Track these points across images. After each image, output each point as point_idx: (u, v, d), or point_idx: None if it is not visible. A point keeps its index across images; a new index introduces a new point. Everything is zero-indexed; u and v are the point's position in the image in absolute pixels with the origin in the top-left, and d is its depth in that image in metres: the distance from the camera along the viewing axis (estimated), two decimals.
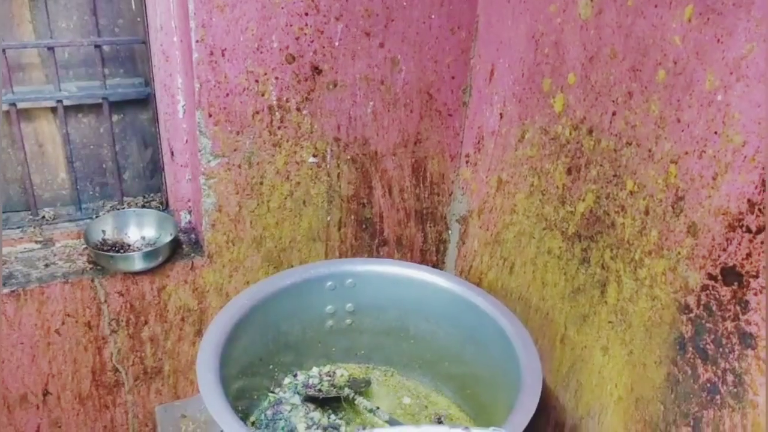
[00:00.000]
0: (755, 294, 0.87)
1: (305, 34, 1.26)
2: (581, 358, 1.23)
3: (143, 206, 1.45)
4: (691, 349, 0.99)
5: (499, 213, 1.43)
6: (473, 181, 1.52)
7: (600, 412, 1.20)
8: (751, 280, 0.88)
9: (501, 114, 1.38)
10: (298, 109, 1.32)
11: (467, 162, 1.53)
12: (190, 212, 1.47)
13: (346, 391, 1.28)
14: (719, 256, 0.92)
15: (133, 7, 1.33)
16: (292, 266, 1.44)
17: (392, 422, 1.11)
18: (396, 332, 1.39)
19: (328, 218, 1.47)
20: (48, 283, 1.27)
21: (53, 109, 1.33)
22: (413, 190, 1.54)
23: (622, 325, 1.12)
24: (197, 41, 1.18)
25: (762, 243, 0.86)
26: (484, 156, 1.46)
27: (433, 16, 1.36)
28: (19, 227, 1.37)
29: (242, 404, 1.26)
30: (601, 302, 1.17)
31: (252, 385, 1.29)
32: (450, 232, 1.64)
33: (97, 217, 1.39)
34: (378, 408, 1.18)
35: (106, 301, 1.33)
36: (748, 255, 0.88)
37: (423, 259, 1.64)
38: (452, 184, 1.57)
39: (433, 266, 1.63)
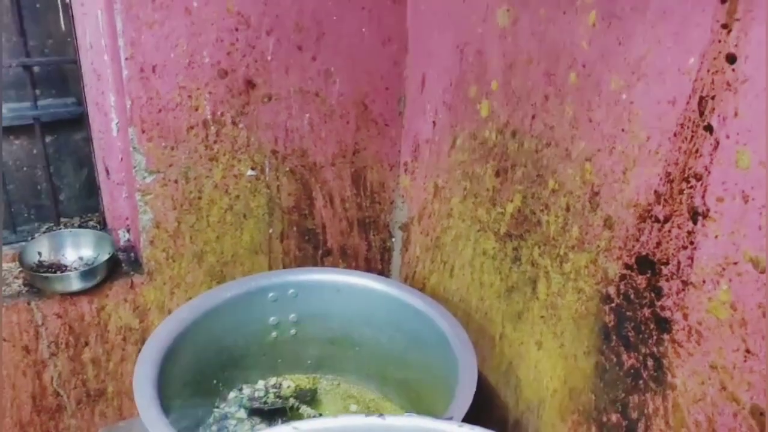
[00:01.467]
0: (667, 280, 0.92)
1: (236, 49, 1.28)
2: (519, 354, 1.27)
3: (80, 226, 1.44)
4: (614, 337, 1.03)
5: (437, 218, 1.47)
6: (412, 189, 1.55)
7: (539, 405, 1.23)
8: (662, 267, 0.93)
9: (434, 122, 1.42)
10: (233, 123, 1.33)
11: (405, 170, 1.56)
12: (128, 230, 1.46)
13: (291, 401, 1.29)
14: (633, 246, 0.97)
15: (63, 27, 1.33)
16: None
17: None
18: (341, 341, 1.41)
19: (270, 230, 1.48)
20: None
21: None
22: (354, 200, 1.56)
23: (553, 318, 1.16)
24: (127, 58, 1.19)
25: (669, 231, 0.91)
26: (421, 163, 1.50)
27: (364, 30, 1.40)
28: None
29: (186, 422, 1.25)
30: (533, 298, 1.21)
31: (196, 402, 1.28)
32: (393, 239, 1.67)
33: (32, 239, 1.37)
34: (321, 415, 1.19)
35: (43, 323, 1.31)
36: (659, 244, 0.93)
37: (368, 268, 1.66)
38: (393, 192, 1.60)
39: (379, 274, 1.65)
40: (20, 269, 1.33)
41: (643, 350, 0.98)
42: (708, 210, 0.85)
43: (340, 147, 1.48)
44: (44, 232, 1.41)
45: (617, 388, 1.04)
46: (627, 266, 0.99)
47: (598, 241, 1.04)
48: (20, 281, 1.32)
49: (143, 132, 1.25)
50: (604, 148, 0.99)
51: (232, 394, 1.35)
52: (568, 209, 1.09)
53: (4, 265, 1.37)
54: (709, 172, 0.84)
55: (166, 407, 1.03)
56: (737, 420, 0.85)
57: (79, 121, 1.38)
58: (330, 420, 0.68)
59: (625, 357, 1.02)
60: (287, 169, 1.44)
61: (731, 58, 0.79)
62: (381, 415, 0.68)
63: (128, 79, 1.20)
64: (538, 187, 1.15)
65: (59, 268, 1.35)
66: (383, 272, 1.69)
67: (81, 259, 1.38)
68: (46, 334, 1.32)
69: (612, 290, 1.02)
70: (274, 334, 1.37)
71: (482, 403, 1.31)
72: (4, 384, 1.32)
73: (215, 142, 1.33)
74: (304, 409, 1.24)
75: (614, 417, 1.05)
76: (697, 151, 0.85)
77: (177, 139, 1.29)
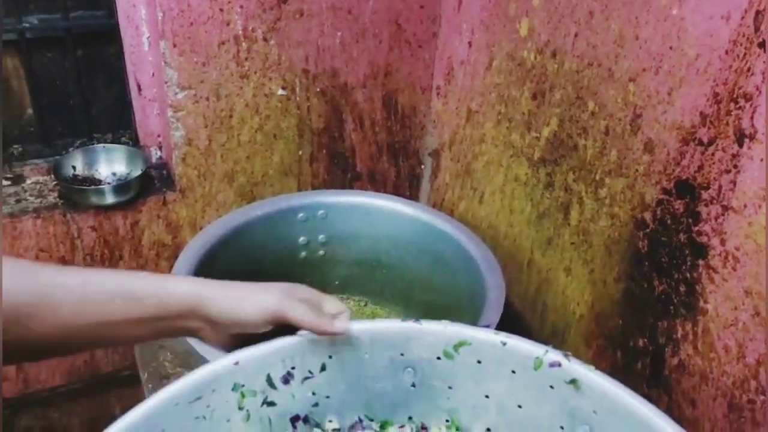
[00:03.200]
0: (706, 205, 0.90)
1: None
2: (546, 280, 1.27)
3: (113, 142, 1.45)
4: (647, 263, 1.02)
5: (469, 144, 1.45)
6: (444, 113, 1.52)
7: (564, 330, 1.24)
8: (702, 191, 0.90)
9: (470, 42, 1.37)
10: (264, 39, 1.31)
11: (438, 94, 1.53)
12: (160, 147, 1.47)
13: None
14: (673, 171, 0.94)
15: None
16: None
17: None
18: (368, 262, 1.42)
19: (300, 152, 1.48)
20: (19, 217, 1.27)
21: (15, 43, 1.31)
22: (385, 124, 1.54)
23: (584, 245, 1.15)
24: None
25: (713, 155, 0.88)
26: (454, 87, 1.46)
27: None
28: None
29: None
30: (564, 224, 1.19)
31: None
32: (423, 166, 1.65)
33: (66, 153, 1.39)
34: None
35: (79, 236, 1.34)
36: (700, 167, 0.90)
37: (396, 194, 1.64)
38: (424, 117, 1.58)
39: None
40: (55, 182, 1.35)
41: (676, 276, 0.97)
42: (755, 132, 0.82)
43: (371, 68, 1.45)
44: (78, 147, 1.42)
45: (646, 314, 1.04)
46: (665, 191, 0.96)
47: (636, 166, 1.01)
48: (55, 194, 1.35)
49: (175, 46, 1.24)
50: (649, 67, 0.95)
51: None
52: (607, 133, 1.06)
53: (40, 178, 1.39)
54: (760, 92, 0.80)
55: None
56: None
57: (110, 34, 1.37)
58: (367, 323, 0.69)
59: (656, 283, 1.01)
60: (318, 89, 1.42)
61: None
62: (417, 320, 0.69)
63: None
64: (576, 110, 1.11)
65: (93, 182, 1.37)
66: (411, 199, 1.68)
67: (114, 174, 1.40)
68: (81, 247, 1.36)
69: (648, 216, 1.01)
70: (303, 254, 1.39)
71: (507, 327, 1.31)
72: None
73: (246, 59, 1.31)
74: None
75: (641, 342, 1.06)
76: (749, 69, 0.81)
77: (208, 55, 1.27)
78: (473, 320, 1.13)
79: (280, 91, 1.38)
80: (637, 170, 1.01)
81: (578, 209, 1.15)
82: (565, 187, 1.18)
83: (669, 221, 0.97)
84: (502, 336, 0.66)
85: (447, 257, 1.30)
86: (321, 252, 1.40)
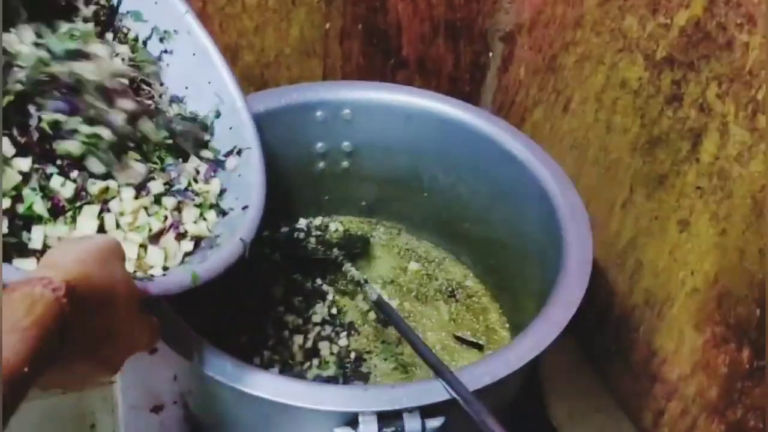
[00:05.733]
0: None
1: None
2: (648, 231, 0.93)
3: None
4: None
5: (558, 28, 1.06)
6: None
7: (664, 302, 0.91)
8: None
9: None
10: None
11: None
12: None
13: (335, 252, 1.02)
14: None
15: None
16: None
17: (380, 303, 0.85)
18: (406, 182, 1.11)
19: (327, 26, 1.13)
20: None
21: None
22: None
23: (718, 193, 0.79)
24: None
25: None
26: None
27: None
28: None
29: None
30: (689, 159, 0.83)
31: None
32: (490, 54, 1.28)
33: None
34: (367, 282, 0.92)
35: None
36: None
37: (452, 89, 1.29)
38: None
39: (465, 99, 1.28)
40: None
41: None
42: None
43: None
44: None
45: None
46: None
47: None
48: None
49: None
50: None
51: (265, 233, 1.10)
52: None
53: None
54: None
55: None
56: None
57: None
58: None
59: None
60: None
61: None
62: None
63: None
64: None
65: None
66: (471, 97, 1.32)
67: None
68: None
69: None
70: (321, 164, 1.08)
71: None
72: None
73: None
74: (348, 268, 0.97)
75: None
76: None
77: None
78: (543, 277, 0.84)
79: None
80: None
81: (717, 140, 0.78)
82: (700, 105, 0.80)
83: None
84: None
85: (512, 187, 0.98)
86: (344, 164, 1.09)
